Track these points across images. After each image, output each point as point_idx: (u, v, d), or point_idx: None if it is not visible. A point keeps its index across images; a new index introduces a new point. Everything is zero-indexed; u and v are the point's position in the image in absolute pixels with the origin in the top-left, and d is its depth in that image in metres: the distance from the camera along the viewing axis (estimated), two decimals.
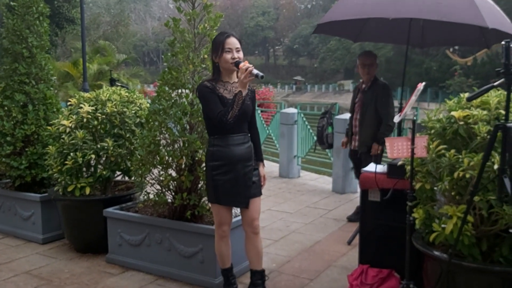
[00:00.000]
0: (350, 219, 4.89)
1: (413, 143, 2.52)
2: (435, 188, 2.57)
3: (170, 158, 3.33)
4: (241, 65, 2.64)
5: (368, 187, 3.16)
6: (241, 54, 2.76)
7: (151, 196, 3.55)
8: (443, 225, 2.40)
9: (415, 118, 2.53)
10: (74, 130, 3.81)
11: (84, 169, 3.89)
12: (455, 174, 2.33)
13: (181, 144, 3.32)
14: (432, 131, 2.61)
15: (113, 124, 3.89)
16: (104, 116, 3.87)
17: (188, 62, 3.30)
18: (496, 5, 3.89)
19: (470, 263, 2.35)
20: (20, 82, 4.27)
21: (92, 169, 3.92)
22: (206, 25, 3.30)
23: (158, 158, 3.36)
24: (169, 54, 3.36)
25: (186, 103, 3.30)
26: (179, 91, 3.37)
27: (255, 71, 2.61)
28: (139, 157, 3.47)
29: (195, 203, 3.35)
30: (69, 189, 3.77)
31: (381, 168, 3.14)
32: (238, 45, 2.76)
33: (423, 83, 2.65)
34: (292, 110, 7.39)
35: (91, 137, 3.84)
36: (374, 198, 3.15)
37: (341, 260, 3.81)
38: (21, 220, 4.31)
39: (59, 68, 14.78)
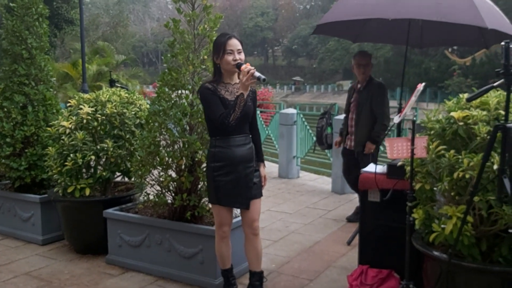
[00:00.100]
0: (350, 219, 4.89)
1: (413, 143, 2.53)
2: (435, 188, 2.58)
3: (170, 159, 3.33)
4: (243, 67, 2.63)
5: (367, 188, 3.16)
6: (242, 56, 2.75)
7: (151, 197, 3.55)
8: (442, 226, 2.41)
9: (414, 118, 2.54)
10: (74, 131, 3.81)
11: (84, 170, 3.89)
12: (455, 175, 2.34)
13: (181, 145, 3.32)
14: (432, 131, 2.62)
15: (113, 125, 3.89)
16: (104, 117, 3.87)
17: (188, 63, 3.30)
18: (495, 5, 3.90)
19: (470, 263, 2.35)
20: (19, 83, 4.26)
21: (92, 170, 3.92)
22: (206, 26, 3.30)
23: (158, 159, 3.36)
24: (168, 55, 3.36)
25: (186, 104, 3.30)
26: (179, 92, 3.37)
27: (257, 74, 2.61)
28: (139, 158, 3.47)
29: (195, 204, 3.35)
30: (69, 190, 3.77)
31: (381, 168, 3.14)
32: (240, 47, 2.76)
33: (423, 84, 2.66)
34: (292, 110, 7.39)
35: (91, 138, 3.84)
36: (374, 198, 3.16)
37: (341, 260, 3.82)
38: (21, 221, 4.31)
39: (58, 69, 14.77)
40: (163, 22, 3.34)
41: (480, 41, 4.26)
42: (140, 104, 4.16)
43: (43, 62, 4.38)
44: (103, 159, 3.89)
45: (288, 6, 72.16)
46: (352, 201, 5.54)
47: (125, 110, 3.97)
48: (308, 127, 7.33)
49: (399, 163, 2.87)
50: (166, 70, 3.37)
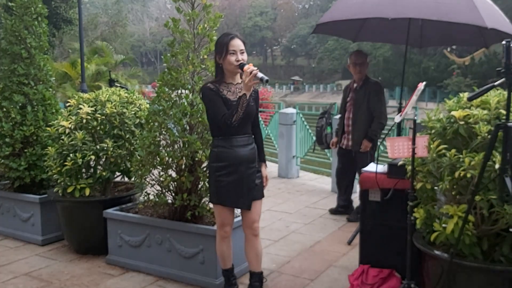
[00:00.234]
0: (350, 219, 4.89)
1: (414, 142, 2.52)
2: (436, 187, 2.58)
3: (170, 159, 3.32)
4: (246, 67, 2.62)
5: (368, 187, 3.16)
6: (245, 56, 2.74)
7: (151, 197, 3.55)
8: (444, 225, 2.41)
9: (415, 117, 2.54)
10: (74, 131, 3.80)
11: (84, 170, 3.88)
12: (456, 174, 2.34)
13: (181, 145, 3.31)
14: (433, 131, 2.62)
15: (113, 125, 3.88)
16: (103, 117, 3.86)
17: (187, 62, 3.29)
18: (494, 4, 3.90)
19: (471, 263, 2.36)
20: (18, 83, 4.25)
21: (92, 170, 3.91)
22: (205, 25, 3.29)
23: (158, 159, 3.35)
24: (168, 54, 3.35)
25: (186, 103, 3.30)
26: (179, 91, 3.36)
27: (260, 75, 2.59)
28: (139, 158, 3.47)
29: (195, 203, 3.34)
30: (69, 190, 3.76)
31: (381, 168, 3.14)
32: (243, 47, 2.74)
33: (424, 83, 2.66)
34: (291, 110, 7.38)
35: (91, 138, 3.83)
36: (375, 198, 3.15)
37: (342, 260, 3.81)
38: (20, 222, 4.29)
39: (57, 69, 14.74)
40: (162, 21, 3.34)
41: (479, 40, 4.27)
42: (140, 104, 4.15)
43: (42, 61, 4.37)
44: (103, 159, 3.88)
45: (287, 6, 72.18)
46: (353, 200, 5.53)
47: (124, 110, 3.96)
48: (307, 127, 7.33)
49: (400, 163, 2.87)
50: (166, 69, 3.36)
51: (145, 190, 3.64)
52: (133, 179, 3.76)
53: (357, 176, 5.33)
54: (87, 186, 3.78)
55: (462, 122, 2.45)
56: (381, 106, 4.60)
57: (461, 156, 2.35)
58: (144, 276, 3.45)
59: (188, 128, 3.33)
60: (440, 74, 35.42)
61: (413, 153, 2.54)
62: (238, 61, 2.70)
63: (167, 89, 3.35)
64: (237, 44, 2.72)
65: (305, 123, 7.35)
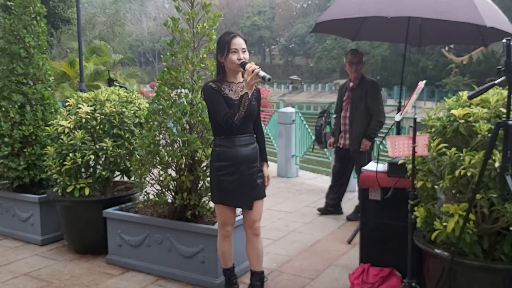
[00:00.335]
0: (350, 218, 4.90)
1: (414, 141, 2.52)
2: (436, 186, 2.58)
3: (170, 158, 3.32)
4: (248, 66, 2.61)
5: (368, 186, 3.16)
6: (247, 55, 2.73)
7: (151, 196, 3.54)
8: (444, 223, 2.41)
9: (416, 116, 2.54)
10: (73, 131, 3.79)
11: (83, 169, 3.87)
12: (456, 172, 2.33)
13: (181, 144, 3.31)
14: (433, 129, 2.62)
15: (112, 124, 3.87)
16: (103, 116, 3.85)
17: (187, 61, 3.29)
18: (493, 3, 3.90)
19: (472, 261, 2.36)
20: (17, 82, 4.24)
21: (91, 169, 3.90)
22: (205, 24, 3.29)
23: (158, 158, 3.35)
24: (168, 53, 3.34)
25: (185, 103, 3.29)
26: (178, 90, 3.36)
27: (262, 73, 2.58)
28: (138, 157, 3.46)
29: (195, 203, 3.34)
30: (68, 189, 3.76)
31: (381, 167, 3.14)
32: (244, 46, 2.73)
33: (424, 81, 2.65)
34: (290, 109, 7.38)
35: (90, 138, 3.82)
36: (375, 197, 3.16)
37: (342, 259, 3.81)
38: (20, 222, 4.28)
39: (56, 68, 14.71)
40: (160, 21, 3.33)
41: (478, 39, 4.28)
42: (139, 103, 4.14)
43: (41, 61, 4.36)
44: (103, 159, 3.87)
45: (285, 5, 72.15)
46: (351, 200, 5.53)
47: (124, 109, 3.96)
48: (306, 126, 7.33)
49: (400, 162, 2.87)
50: (166, 68, 3.35)
51: (145, 190, 3.64)
52: (132, 178, 3.76)
53: (354, 175, 5.35)
54: (87, 186, 3.77)
55: (462, 121, 2.45)
56: (379, 104, 4.62)
57: (461, 154, 2.35)
58: (144, 276, 3.45)
59: (187, 127, 3.33)
60: (438, 73, 35.45)
61: (414, 151, 2.54)
62: (239, 59, 2.69)
63: (166, 89, 3.34)
64: (239, 42, 2.71)
65: (304, 122, 7.35)
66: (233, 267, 3.04)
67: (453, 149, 2.38)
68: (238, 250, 3.10)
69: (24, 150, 4.23)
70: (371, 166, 3.29)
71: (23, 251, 4.04)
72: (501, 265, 2.33)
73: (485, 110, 2.47)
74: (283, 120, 7.24)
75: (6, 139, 4.17)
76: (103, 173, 3.83)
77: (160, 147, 3.36)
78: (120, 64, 21.77)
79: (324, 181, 6.79)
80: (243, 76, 2.71)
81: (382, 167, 3.13)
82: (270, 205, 5.42)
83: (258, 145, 2.90)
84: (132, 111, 4.01)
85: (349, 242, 4.17)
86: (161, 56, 3.48)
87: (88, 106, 3.89)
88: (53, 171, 3.79)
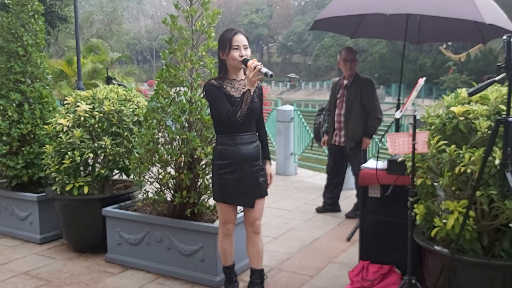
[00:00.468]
0: (348, 215, 4.91)
1: (414, 138, 2.52)
2: (435, 183, 2.58)
3: (169, 156, 3.31)
4: (250, 63, 2.60)
5: (368, 184, 3.16)
6: (248, 52, 2.72)
7: (150, 194, 3.54)
8: (444, 220, 2.41)
9: (415, 113, 2.53)
10: (72, 129, 3.78)
11: (82, 168, 3.86)
12: (456, 169, 2.33)
13: (180, 142, 3.30)
14: (432, 127, 2.61)
15: (111, 123, 3.86)
16: (101, 115, 3.84)
17: (186, 59, 3.28)
18: (492, 0, 3.90)
19: (472, 258, 2.36)
20: (15, 81, 4.22)
21: (90, 168, 3.89)
22: (204, 22, 3.28)
23: (157, 156, 3.34)
24: (166, 51, 3.33)
25: (184, 101, 3.28)
26: (177, 89, 3.35)
27: (264, 69, 2.58)
28: (137, 155, 3.45)
29: (194, 201, 3.33)
30: (67, 188, 3.75)
31: (381, 164, 3.14)
32: (246, 42, 2.72)
33: (424, 78, 2.65)
34: (289, 107, 7.38)
35: (89, 136, 3.81)
36: (374, 194, 3.16)
37: (341, 256, 3.82)
38: (18, 220, 4.27)
39: (53, 67, 14.67)
40: (157, 19, 3.32)
41: (477, 36, 4.27)
42: (138, 101, 4.13)
43: (39, 59, 4.34)
44: (101, 157, 3.86)
45: (283, 3, 72.09)
46: (350, 197, 5.54)
47: (123, 108, 3.94)
48: (305, 124, 7.33)
49: (400, 159, 2.87)
50: (164, 66, 3.34)
51: (144, 188, 3.63)
52: (131, 176, 3.75)
53: (349, 172, 5.34)
54: (86, 184, 3.76)
55: (461, 118, 2.45)
56: (375, 101, 4.63)
57: (461, 151, 2.35)
58: (144, 274, 3.44)
59: (186, 125, 3.32)
60: (436, 70, 35.50)
61: (414, 149, 2.54)
62: (241, 56, 2.68)
63: (165, 86, 3.33)
64: (241, 39, 2.70)
65: (303, 120, 7.35)
66: (233, 265, 3.04)
67: (453, 146, 2.38)
68: (238, 248, 3.10)
69: (23, 148, 4.22)
70: (371, 163, 3.29)
71: (22, 250, 4.03)
72: (500, 262, 2.33)
73: (485, 107, 2.47)
74: (282, 118, 7.24)
75: (4, 138, 4.16)
76: (102, 171, 3.82)
77: (159, 145, 3.35)
78: (118, 62, 21.74)
79: (323, 179, 6.74)
80: (245, 73, 2.70)
81: (382, 164, 3.13)
82: (269, 203, 5.38)
83: (261, 143, 2.89)
84: (131, 109, 3.99)
85: (348, 239, 4.17)
86: (160, 53, 3.47)
87: (86, 104, 3.87)
88: (51, 169, 3.78)
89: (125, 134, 3.89)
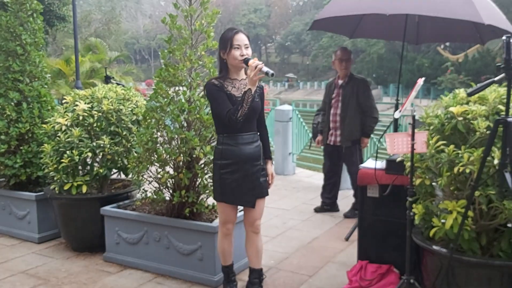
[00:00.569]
0: (347, 215, 4.91)
1: (413, 138, 2.53)
2: (434, 183, 2.58)
3: (168, 156, 3.31)
4: (251, 62, 2.60)
5: (366, 183, 3.17)
6: (249, 51, 2.72)
7: (149, 194, 3.53)
8: (443, 220, 2.42)
9: (415, 113, 2.54)
10: (70, 128, 3.78)
11: (81, 167, 3.85)
12: (455, 169, 2.34)
13: (179, 142, 3.30)
14: (431, 127, 2.62)
15: (110, 122, 3.86)
16: (100, 114, 3.84)
17: (185, 59, 3.28)
18: (490, 1, 3.91)
19: (470, 258, 2.36)
20: (14, 79, 4.22)
21: (89, 167, 3.89)
22: (203, 21, 3.28)
23: (156, 156, 3.34)
24: (165, 51, 3.33)
25: (183, 100, 3.28)
26: (176, 88, 3.35)
27: (265, 69, 2.57)
28: (136, 154, 3.45)
29: (193, 200, 3.33)
30: (66, 187, 3.74)
31: (379, 164, 3.14)
32: (247, 42, 2.72)
33: (423, 79, 2.65)
34: (287, 107, 7.38)
35: (87, 135, 3.81)
36: (373, 194, 3.16)
37: (339, 256, 3.82)
38: (16, 220, 4.27)
39: (52, 66, 14.64)
40: (156, 19, 3.32)
41: (475, 37, 4.28)
42: (136, 101, 4.13)
43: (38, 58, 4.33)
44: (100, 156, 3.86)
45: (281, 3, 72.07)
46: (348, 197, 5.54)
47: (121, 107, 3.94)
48: (303, 124, 7.33)
49: (398, 159, 2.88)
50: (163, 66, 3.34)
51: (142, 187, 3.63)
52: (130, 176, 3.75)
53: (345, 171, 5.35)
54: (84, 183, 3.76)
55: (460, 118, 2.45)
56: (371, 101, 4.67)
57: (459, 152, 2.35)
58: (142, 273, 3.44)
59: (185, 124, 3.32)
60: (434, 71, 35.50)
61: (413, 149, 2.55)
62: (242, 55, 2.68)
63: (164, 86, 3.33)
64: (242, 38, 2.70)
65: (301, 120, 7.35)
66: (232, 265, 3.04)
67: (452, 146, 2.39)
68: (237, 247, 3.10)
69: (21, 147, 4.21)
70: (369, 163, 3.29)
71: (20, 249, 4.02)
72: (499, 262, 2.34)
73: (483, 107, 2.47)
74: (280, 117, 7.24)
75: (2, 137, 4.15)
76: (101, 170, 3.82)
77: (158, 145, 3.35)
78: (116, 61, 21.71)
79: (321, 179, 6.71)
80: (246, 73, 2.70)
81: (381, 164, 3.13)
82: (267, 203, 5.31)
83: (262, 142, 2.88)
84: (130, 109, 3.99)
85: (347, 239, 4.18)
86: (159, 53, 3.47)
87: (85, 103, 3.87)
88: (50, 168, 3.77)
89: (124, 133, 3.89)
